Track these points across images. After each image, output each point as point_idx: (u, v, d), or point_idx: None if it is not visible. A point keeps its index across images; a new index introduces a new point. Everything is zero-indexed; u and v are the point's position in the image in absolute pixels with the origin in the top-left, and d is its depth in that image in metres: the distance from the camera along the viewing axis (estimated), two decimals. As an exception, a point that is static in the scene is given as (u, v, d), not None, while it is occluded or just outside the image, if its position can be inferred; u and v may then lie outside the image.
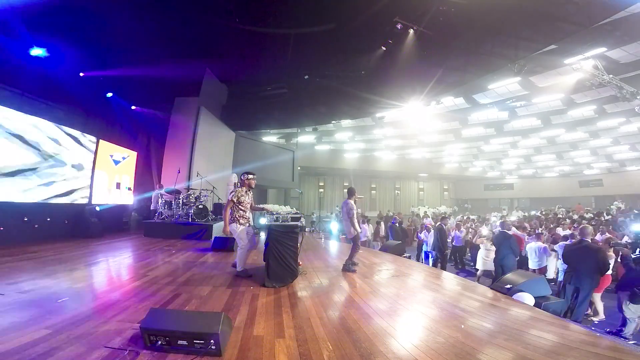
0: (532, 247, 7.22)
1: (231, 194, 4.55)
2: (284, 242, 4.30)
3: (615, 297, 4.74)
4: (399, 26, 7.91)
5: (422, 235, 10.03)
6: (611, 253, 5.78)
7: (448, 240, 8.87)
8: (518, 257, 6.91)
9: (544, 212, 17.10)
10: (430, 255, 8.59)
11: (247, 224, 4.66)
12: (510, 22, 7.93)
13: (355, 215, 5.30)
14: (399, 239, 9.72)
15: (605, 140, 20.77)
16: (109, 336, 2.46)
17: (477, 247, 8.23)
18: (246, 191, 4.64)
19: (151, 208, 9.81)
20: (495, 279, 6.20)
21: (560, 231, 8.96)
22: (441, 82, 10.43)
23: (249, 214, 4.70)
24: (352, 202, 5.34)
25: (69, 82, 8.19)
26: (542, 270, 7.06)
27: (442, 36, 8.29)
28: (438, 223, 8.63)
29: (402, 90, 11.17)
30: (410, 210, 27.38)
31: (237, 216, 4.57)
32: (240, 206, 4.56)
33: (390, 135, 22.30)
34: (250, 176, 4.70)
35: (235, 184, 11.34)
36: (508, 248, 6.34)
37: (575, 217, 13.19)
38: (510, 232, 6.82)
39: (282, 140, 21.90)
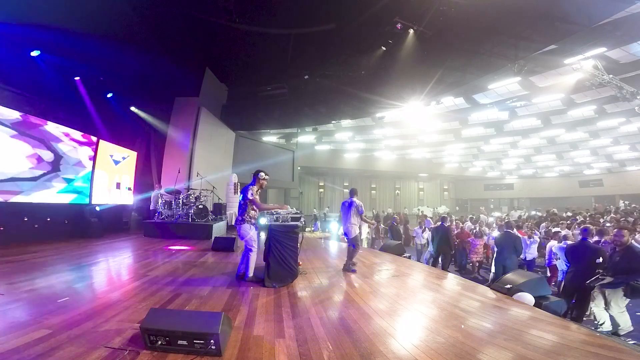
0: (553, 246, 7.15)
1: (249, 194, 4.32)
2: (284, 242, 4.29)
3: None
4: (399, 26, 7.90)
5: (424, 236, 9.97)
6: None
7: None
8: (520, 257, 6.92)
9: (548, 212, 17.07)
10: (430, 256, 8.53)
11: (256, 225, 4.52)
12: (510, 22, 7.92)
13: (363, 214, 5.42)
14: (398, 239, 9.70)
15: (605, 140, 20.79)
16: (109, 336, 2.46)
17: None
18: (257, 190, 4.46)
19: (150, 208, 9.81)
20: (496, 279, 6.19)
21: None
22: (441, 82, 10.42)
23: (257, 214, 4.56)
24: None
25: (69, 82, 8.21)
26: (552, 270, 7.01)
27: (442, 36, 8.29)
28: (439, 223, 8.58)
29: (402, 90, 11.16)
30: (403, 212, 26.69)
31: (249, 216, 4.38)
32: (254, 205, 4.37)
33: (390, 135, 22.30)
34: (265, 176, 4.49)
35: (235, 184, 11.38)
36: (512, 248, 6.34)
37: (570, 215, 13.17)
38: (514, 232, 6.80)
39: (282, 140, 21.90)
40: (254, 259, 4.41)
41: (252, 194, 4.33)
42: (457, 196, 36.16)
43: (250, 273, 4.38)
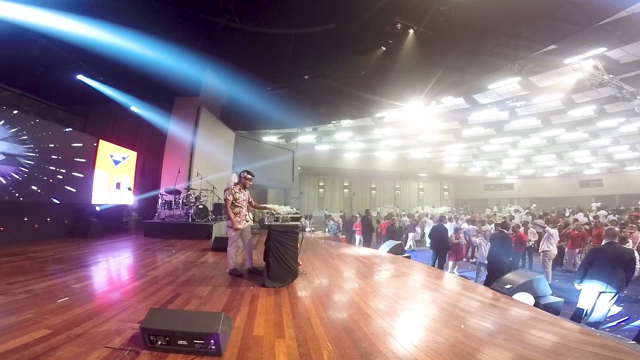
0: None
1: (225, 193, 4.65)
2: (284, 242, 4.29)
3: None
4: (399, 26, 7.90)
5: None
6: None
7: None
8: (511, 258, 7.08)
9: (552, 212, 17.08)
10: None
11: (245, 222, 4.72)
12: (510, 22, 7.93)
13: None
14: (397, 239, 9.73)
15: (605, 140, 20.78)
16: (109, 336, 2.46)
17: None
18: (240, 189, 4.71)
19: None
20: (489, 278, 6.36)
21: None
22: (441, 82, 10.43)
23: (245, 211, 4.75)
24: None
25: (69, 83, 8.20)
26: None
27: (442, 36, 8.29)
28: (437, 223, 8.64)
29: (402, 90, 11.17)
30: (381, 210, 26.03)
31: (234, 213, 4.65)
32: (236, 202, 4.63)
33: (390, 135, 22.31)
34: (249, 176, 4.79)
35: (235, 184, 11.39)
36: (501, 248, 6.50)
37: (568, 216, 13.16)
38: (507, 232, 6.92)
39: (282, 140, 21.90)
40: (231, 253, 4.70)
41: (226, 194, 4.60)
42: (457, 196, 36.13)
43: (230, 265, 4.72)
